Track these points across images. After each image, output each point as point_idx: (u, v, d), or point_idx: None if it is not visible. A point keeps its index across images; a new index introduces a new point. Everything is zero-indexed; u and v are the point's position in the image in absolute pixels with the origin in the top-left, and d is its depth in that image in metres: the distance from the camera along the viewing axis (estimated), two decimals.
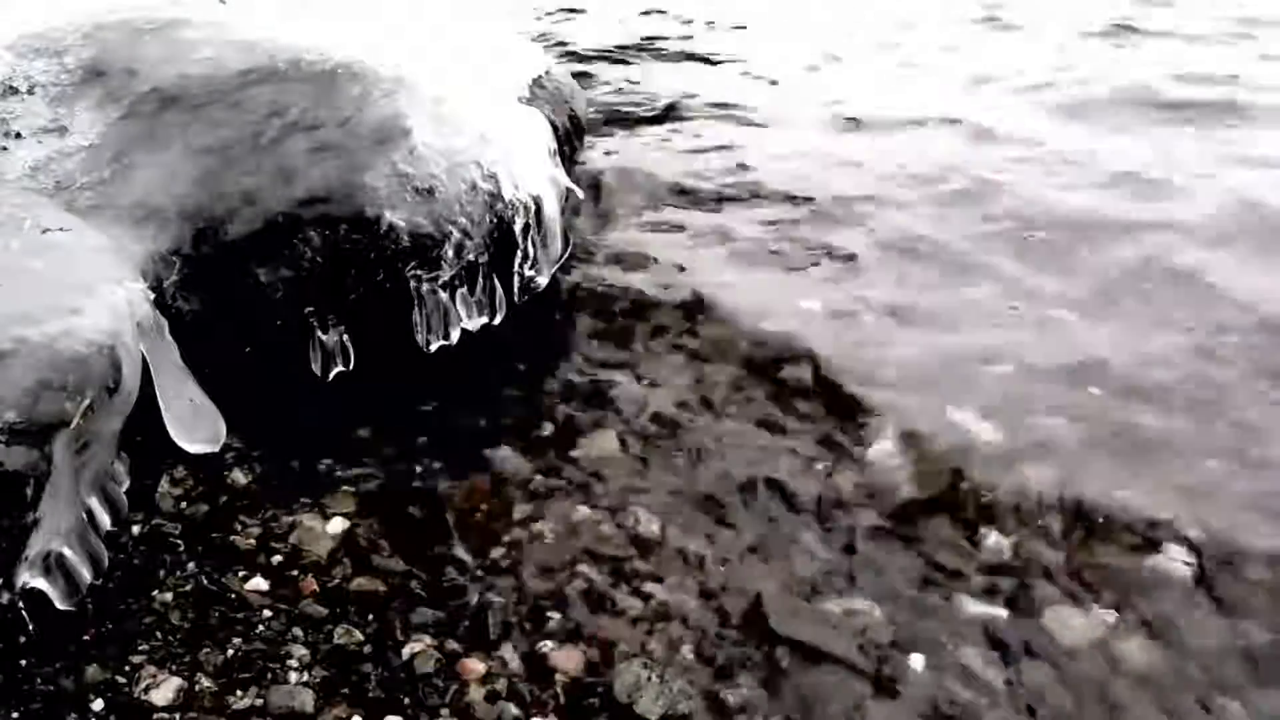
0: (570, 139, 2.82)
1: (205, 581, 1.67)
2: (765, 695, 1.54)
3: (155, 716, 1.44)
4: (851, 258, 2.74)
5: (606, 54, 4.57)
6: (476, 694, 1.52)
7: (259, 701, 1.47)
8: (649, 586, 1.73)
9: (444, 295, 2.14)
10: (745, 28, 5.09)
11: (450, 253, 2.12)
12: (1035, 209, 2.98)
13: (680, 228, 2.94)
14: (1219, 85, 3.99)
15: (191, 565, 1.70)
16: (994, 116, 3.74)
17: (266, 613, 1.62)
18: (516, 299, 2.32)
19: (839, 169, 3.30)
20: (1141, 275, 2.63)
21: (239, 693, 1.48)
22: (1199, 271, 2.62)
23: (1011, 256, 2.73)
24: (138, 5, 2.62)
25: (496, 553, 1.79)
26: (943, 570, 1.75)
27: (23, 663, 1.48)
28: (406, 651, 1.58)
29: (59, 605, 1.52)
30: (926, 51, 4.68)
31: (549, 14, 5.31)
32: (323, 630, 1.60)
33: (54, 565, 1.51)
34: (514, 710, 1.49)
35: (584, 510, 1.89)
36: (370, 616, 1.64)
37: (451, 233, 2.12)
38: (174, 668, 1.51)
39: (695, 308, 2.52)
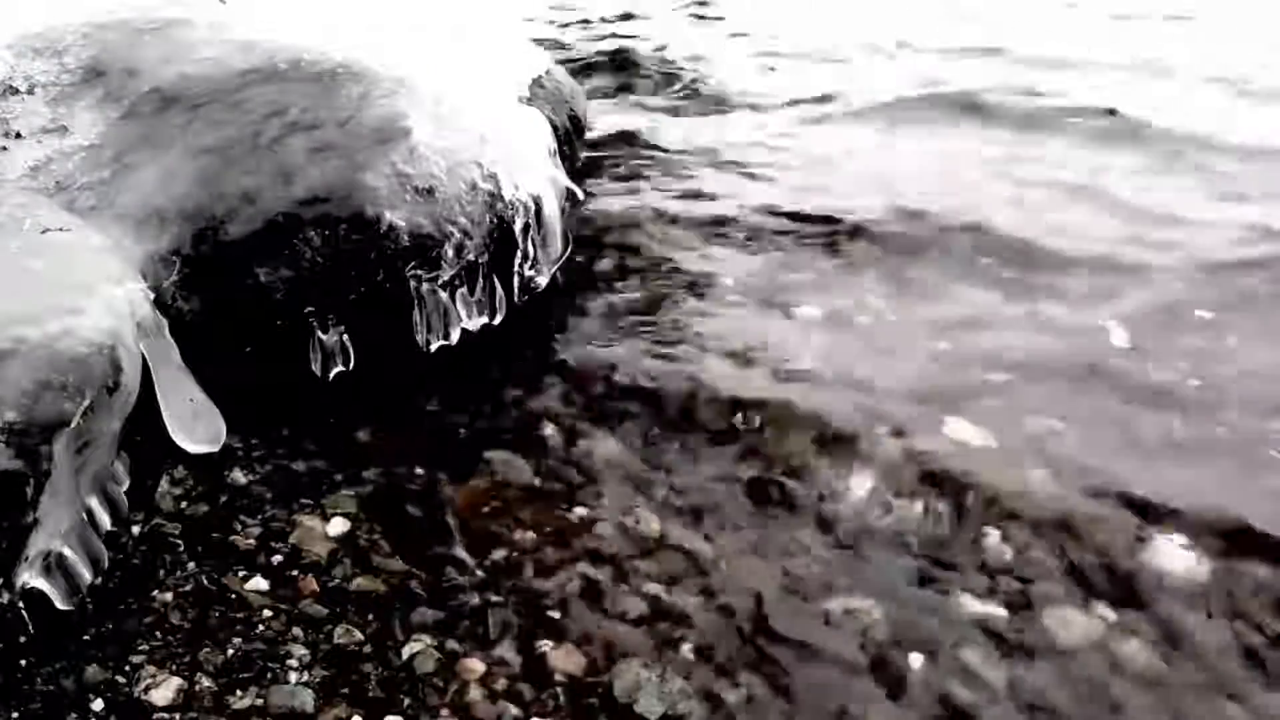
0: (570, 139, 2.83)
1: (205, 581, 1.67)
2: (765, 695, 1.54)
3: (155, 716, 1.44)
4: None
5: None
6: (476, 694, 1.52)
7: (259, 701, 1.47)
8: (649, 586, 1.73)
9: (444, 295, 2.14)
10: None
11: (450, 252, 2.12)
12: None
13: None
14: None
15: (191, 565, 1.70)
16: None
17: (266, 613, 1.62)
18: (516, 299, 2.32)
19: None
20: None
21: (239, 692, 1.48)
22: None
23: None
24: (138, 5, 2.63)
25: (496, 553, 1.79)
26: None
27: (23, 663, 1.48)
28: (406, 651, 1.58)
29: (59, 605, 1.52)
30: None
31: None
32: (323, 630, 1.60)
33: (54, 565, 1.51)
34: (514, 710, 1.49)
35: (584, 510, 1.89)
36: (370, 616, 1.64)
37: (451, 233, 2.12)
38: (174, 667, 1.51)
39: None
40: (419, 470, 1.98)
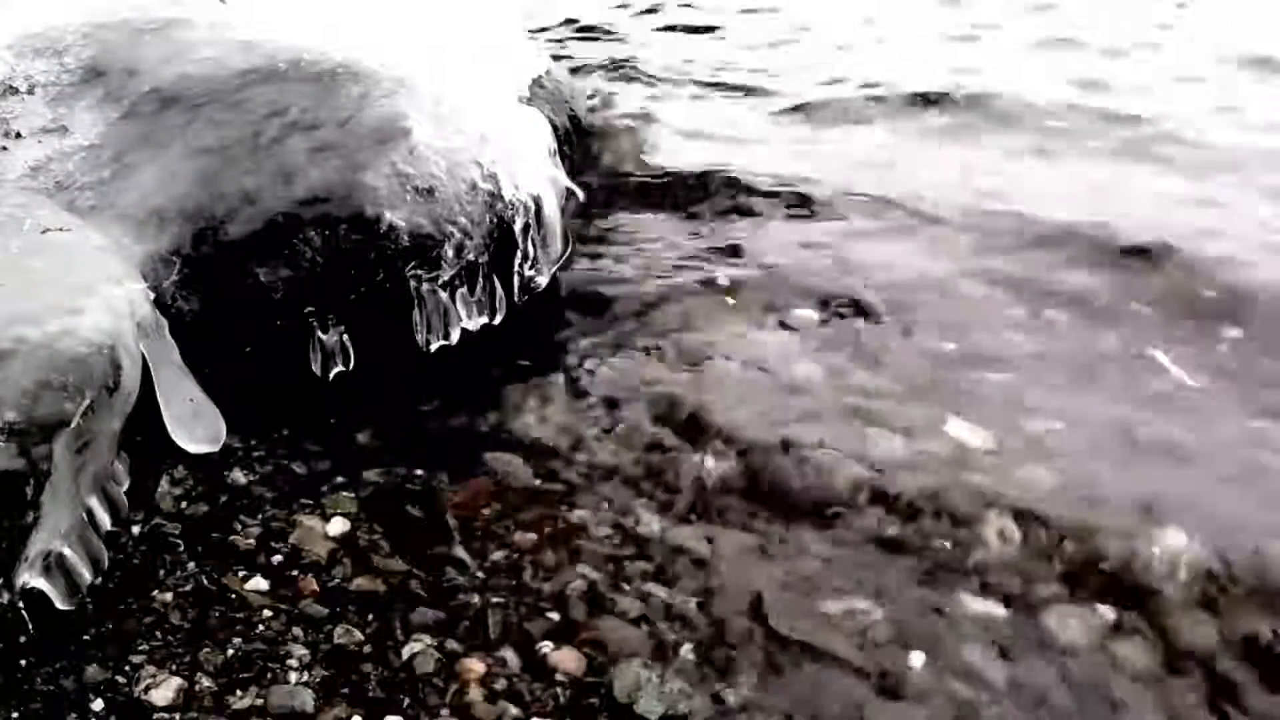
0: (570, 139, 2.82)
1: (205, 581, 1.67)
2: (765, 695, 1.54)
3: (155, 716, 1.44)
4: None
5: None
6: (476, 694, 1.52)
7: (259, 701, 1.47)
8: (649, 586, 1.73)
9: (444, 295, 2.14)
10: None
11: (450, 252, 2.12)
12: None
13: None
14: None
15: (191, 565, 1.70)
16: None
17: (266, 613, 1.62)
18: (516, 299, 2.32)
19: None
20: None
21: (239, 692, 1.48)
22: None
23: None
24: (138, 5, 2.63)
25: (496, 553, 1.79)
26: None
27: (23, 663, 1.48)
28: (406, 651, 1.58)
29: (59, 605, 1.52)
30: None
31: None
32: (323, 630, 1.60)
33: (54, 565, 1.51)
34: (514, 710, 1.49)
35: (584, 510, 1.89)
36: (370, 616, 1.64)
37: (451, 232, 2.12)
38: (174, 667, 1.51)
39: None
40: (419, 470, 1.97)
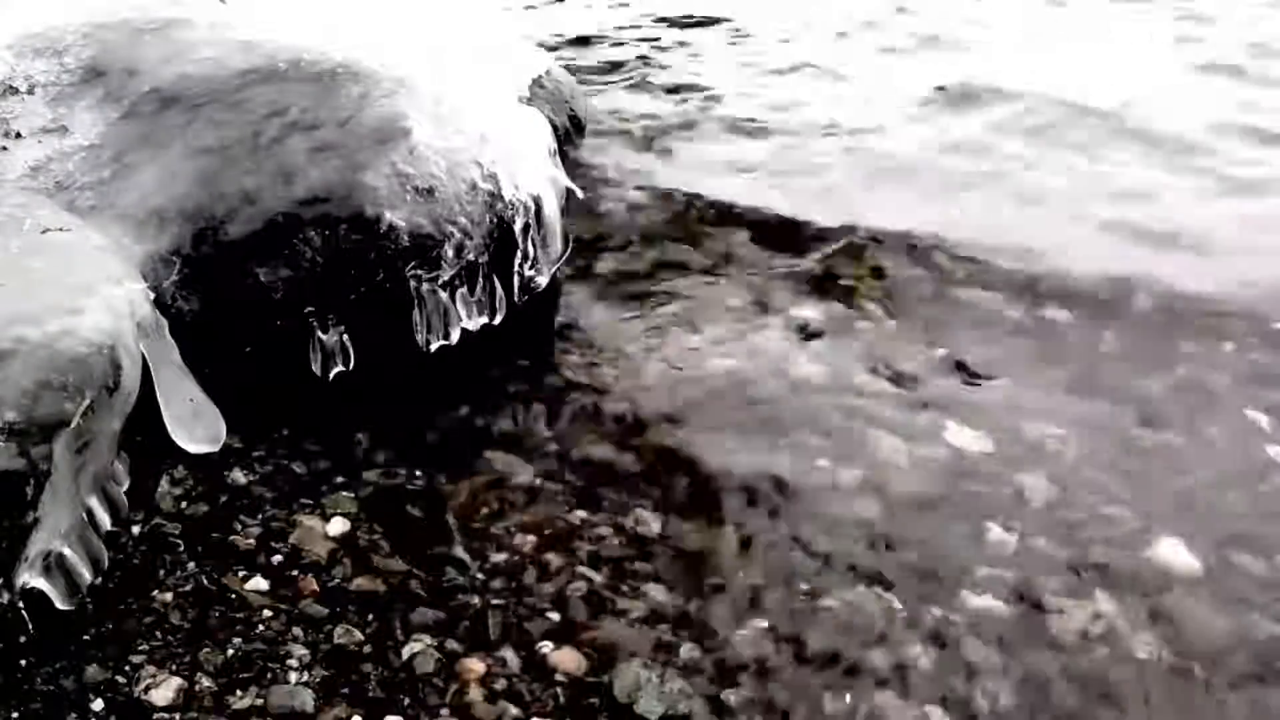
0: (570, 139, 2.82)
1: (205, 581, 1.67)
2: (765, 695, 1.54)
3: (155, 716, 1.44)
4: None
5: None
6: (476, 694, 1.52)
7: (259, 701, 1.47)
8: (649, 587, 1.73)
9: (444, 295, 2.14)
10: None
11: (450, 252, 2.12)
12: None
13: None
14: None
15: (191, 565, 1.70)
16: None
17: (266, 613, 1.62)
18: (516, 299, 2.32)
19: None
20: None
21: (239, 692, 1.48)
22: None
23: None
24: (138, 5, 2.62)
25: (496, 553, 1.79)
26: None
27: (23, 663, 1.48)
28: (406, 651, 1.58)
29: (59, 605, 1.52)
30: None
31: None
32: (323, 630, 1.60)
33: (54, 565, 1.51)
34: (514, 710, 1.50)
35: (584, 510, 1.89)
36: (370, 616, 1.64)
37: (451, 232, 2.12)
38: (174, 667, 1.51)
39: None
40: (419, 470, 1.97)
